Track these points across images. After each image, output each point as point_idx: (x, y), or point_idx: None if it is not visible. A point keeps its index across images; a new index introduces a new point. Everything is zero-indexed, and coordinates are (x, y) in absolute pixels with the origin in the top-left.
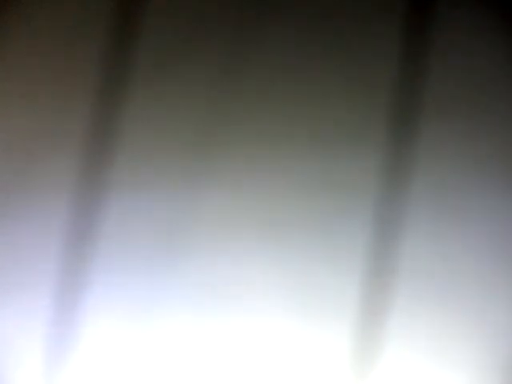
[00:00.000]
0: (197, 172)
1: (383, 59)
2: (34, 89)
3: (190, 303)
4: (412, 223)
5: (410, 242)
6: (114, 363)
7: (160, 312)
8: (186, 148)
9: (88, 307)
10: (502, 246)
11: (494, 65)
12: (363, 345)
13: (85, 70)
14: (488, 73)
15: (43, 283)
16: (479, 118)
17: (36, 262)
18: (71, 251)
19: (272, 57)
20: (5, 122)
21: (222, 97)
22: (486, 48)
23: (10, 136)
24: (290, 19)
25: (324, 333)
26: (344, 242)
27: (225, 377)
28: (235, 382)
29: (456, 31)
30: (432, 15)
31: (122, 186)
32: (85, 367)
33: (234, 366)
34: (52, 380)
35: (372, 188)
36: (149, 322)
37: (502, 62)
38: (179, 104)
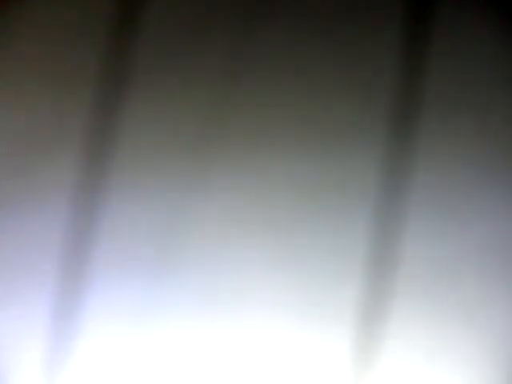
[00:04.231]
0: (197, 173)
1: (383, 60)
2: (33, 89)
3: (189, 307)
4: (412, 224)
5: (410, 243)
6: (114, 365)
7: (160, 315)
8: (186, 149)
9: (88, 308)
10: (502, 246)
11: (494, 65)
12: (363, 346)
13: (85, 69)
14: (488, 73)
15: (42, 284)
16: (479, 118)
17: (35, 262)
18: (71, 252)
19: (272, 58)
20: (4, 122)
21: (223, 98)
22: (487, 48)
23: (10, 136)
24: (290, 20)
25: (324, 334)
26: (343, 243)
27: (226, 380)
28: None
29: (456, 31)
30: (432, 15)
31: (123, 187)
32: (84, 369)
33: (235, 369)
34: (52, 381)
35: (372, 189)
36: (149, 325)
37: (502, 63)
38: (180, 104)
